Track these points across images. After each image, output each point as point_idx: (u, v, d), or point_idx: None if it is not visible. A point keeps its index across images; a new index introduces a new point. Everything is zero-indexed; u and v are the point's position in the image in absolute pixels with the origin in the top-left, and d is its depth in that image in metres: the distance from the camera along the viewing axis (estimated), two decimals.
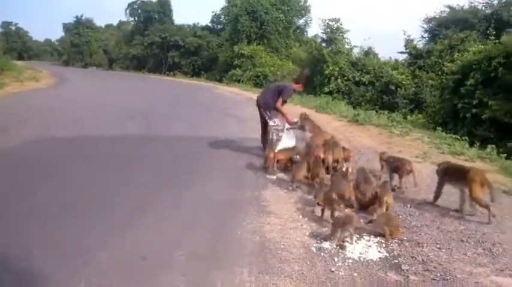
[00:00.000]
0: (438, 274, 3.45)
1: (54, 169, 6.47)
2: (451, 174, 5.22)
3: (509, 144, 10.38)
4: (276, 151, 6.92)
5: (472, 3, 28.00)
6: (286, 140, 7.49)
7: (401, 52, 24.91)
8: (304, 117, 8.25)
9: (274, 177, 6.37)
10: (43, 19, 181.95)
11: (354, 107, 18.31)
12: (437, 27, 27.86)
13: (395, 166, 5.99)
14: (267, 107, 7.89)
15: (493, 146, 8.66)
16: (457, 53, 18.40)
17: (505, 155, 8.05)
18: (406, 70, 22.66)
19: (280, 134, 7.74)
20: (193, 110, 15.36)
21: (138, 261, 3.54)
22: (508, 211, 5.09)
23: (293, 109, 12.66)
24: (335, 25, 26.90)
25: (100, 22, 77.15)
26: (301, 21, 40.19)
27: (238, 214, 4.71)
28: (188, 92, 24.52)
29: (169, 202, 5.09)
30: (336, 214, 4.49)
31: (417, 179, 5.89)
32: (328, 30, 26.98)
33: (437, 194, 5.31)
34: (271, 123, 7.82)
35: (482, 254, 3.85)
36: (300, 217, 4.72)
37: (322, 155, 6.31)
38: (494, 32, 15.96)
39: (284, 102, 7.98)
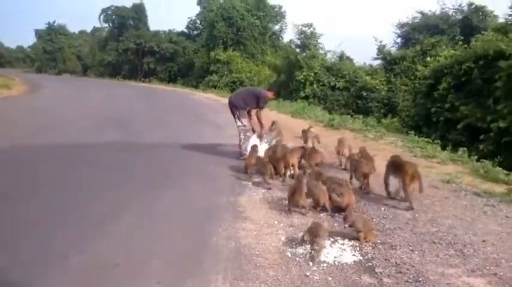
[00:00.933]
0: (411, 276, 3.49)
1: (27, 175, 6.35)
2: (393, 167, 5.67)
3: None
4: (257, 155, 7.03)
5: (443, 9, 28.65)
6: (260, 146, 7.57)
7: (375, 59, 25.32)
8: (273, 124, 9.02)
9: (250, 183, 6.37)
10: (15, 26, 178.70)
11: (330, 112, 18.50)
12: (411, 31, 28.34)
13: (355, 168, 6.20)
14: (238, 107, 8.09)
15: (465, 149, 8.84)
16: (428, 58, 18.76)
17: (476, 157, 8.23)
18: (381, 76, 22.99)
19: (248, 134, 8.04)
20: (171, 117, 15.27)
21: (111, 268, 3.49)
22: (478, 213, 5.19)
23: (269, 114, 12.71)
24: (308, 30, 27.19)
25: (73, 28, 76.00)
26: (277, 27, 40.50)
27: (215, 220, 4.68)
28: (165, 99, 24.37)
29: (145, 208, 5.03)
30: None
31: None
32: (302, 35, 27.23)
33: (386, 185, 5.71)
34: (238, 123, 8.10)
35: (454, 256, 3.91)
36: (276, 222, 4.71)
37: (295, 161, 6.59)
38: (462, 38, 16.33)
39: (261, 108, 8.18)
